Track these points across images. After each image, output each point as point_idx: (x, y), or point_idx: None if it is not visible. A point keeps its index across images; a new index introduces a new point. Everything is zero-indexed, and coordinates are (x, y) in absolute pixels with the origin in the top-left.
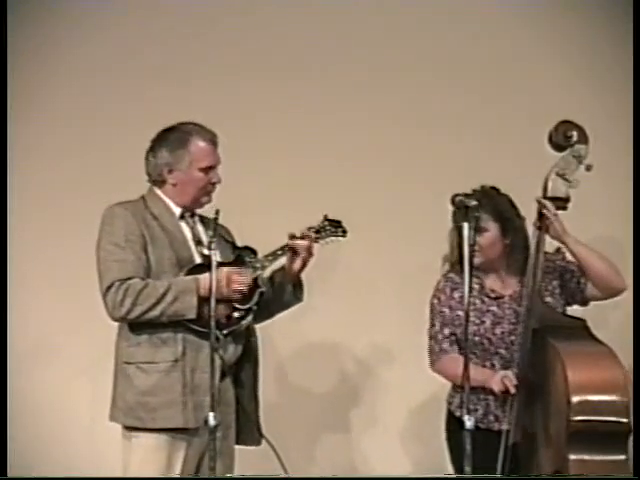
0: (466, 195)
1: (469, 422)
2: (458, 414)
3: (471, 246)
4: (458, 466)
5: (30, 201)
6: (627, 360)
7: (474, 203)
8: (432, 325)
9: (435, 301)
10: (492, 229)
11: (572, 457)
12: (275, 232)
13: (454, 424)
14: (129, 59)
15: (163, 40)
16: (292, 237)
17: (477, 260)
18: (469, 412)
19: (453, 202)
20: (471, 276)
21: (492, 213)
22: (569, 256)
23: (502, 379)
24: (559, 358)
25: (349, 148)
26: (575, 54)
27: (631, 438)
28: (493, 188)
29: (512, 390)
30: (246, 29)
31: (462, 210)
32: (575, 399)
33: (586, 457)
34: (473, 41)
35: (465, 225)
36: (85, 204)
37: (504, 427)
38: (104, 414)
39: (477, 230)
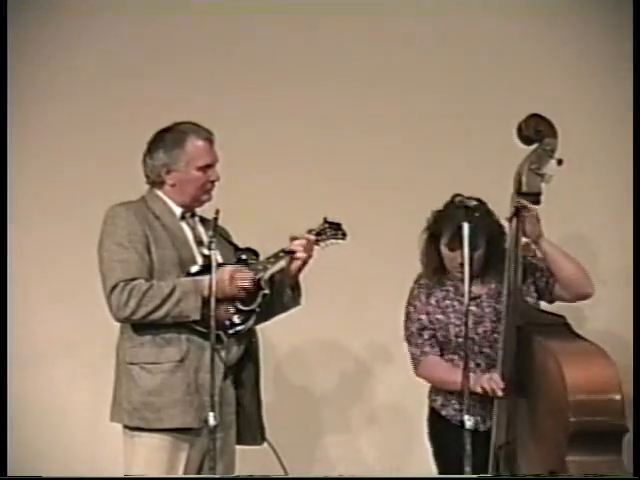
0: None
1: (469, 422)
2: (444, 413)
3: (460, 264)
4: (441, 462)
5: (30, 202)
6: (627, 360)
7: (474, 203)
8: (409, 332)
9: (411, 309)
10: (481, 247)
11: (570, 458)
12: (275, 234)
13: (438, 422)
14: (129, 60)
15: (163, 41)
16: (293, 240)
17: (460, 274)
18: (469, 412)
19: (453, 202)
20: (471, 277)
21: (484, 232)
22: (539, 253)
23: (488, 381)
24: (553, 357)
25: (349, 151)
26: (575, 54)
27: (625, 437)
28: (474, 199)
29: (499, 393)
30: (248, 30)
31: (462, 210)
32: (574, 399)
33: (584, 457)
34: (469, 48)
35: (465, 225)
36: (86, 205)
37: (483, 427)
38: (104, 414)
39: (472, 248)
